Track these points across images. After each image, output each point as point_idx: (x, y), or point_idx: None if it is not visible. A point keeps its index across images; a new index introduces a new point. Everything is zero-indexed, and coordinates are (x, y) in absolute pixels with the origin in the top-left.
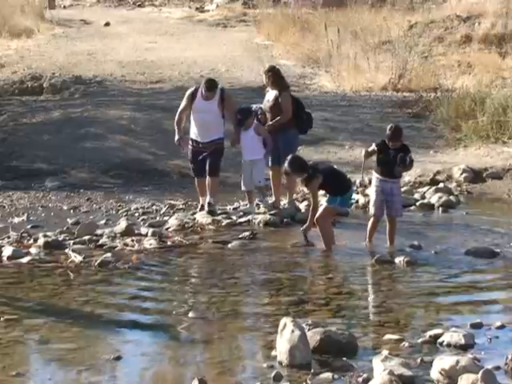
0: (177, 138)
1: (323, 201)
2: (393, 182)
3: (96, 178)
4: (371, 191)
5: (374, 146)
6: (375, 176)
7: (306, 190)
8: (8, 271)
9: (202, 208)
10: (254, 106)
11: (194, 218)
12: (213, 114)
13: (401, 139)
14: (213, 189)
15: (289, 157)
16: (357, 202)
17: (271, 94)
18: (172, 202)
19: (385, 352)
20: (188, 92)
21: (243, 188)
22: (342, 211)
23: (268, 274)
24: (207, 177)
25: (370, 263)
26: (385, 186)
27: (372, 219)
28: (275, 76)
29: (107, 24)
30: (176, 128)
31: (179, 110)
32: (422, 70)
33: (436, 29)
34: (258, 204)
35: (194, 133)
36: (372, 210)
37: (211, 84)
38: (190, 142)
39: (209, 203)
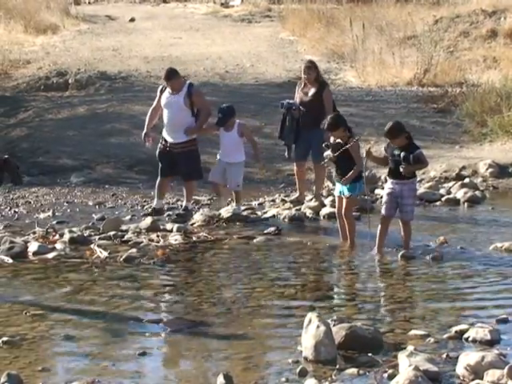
0: (143, 133)
1: (337, 191)
2: (402, 183)
3: (121, 174)
4: (383, 192)
5: (382, 150)
6: (387, 177)
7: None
8: (34, 267)
9: (155, 212)
10: (285, 102)
11: (219, 214)
12: (179, 110)
13: (401, 137)
14: (189, 194)
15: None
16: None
17: (311, 89)
18: (197, 197)
19: (410, 347)
20: (159, 88)
21: (209, 178)
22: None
23: (293, 270)
24: (184, 181)
25: (395, 259)
26: (394, 188)
27: (380, 220)
28: (318, 71)
29: (132, 20)
30: (146, 123)
31: (152, 106)
32: (447, 65)
33: (461, 23)
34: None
35: (164, 130)
36: (382, 210)
37: (168, 73)
38: (160, 140)
39: (185, 208)
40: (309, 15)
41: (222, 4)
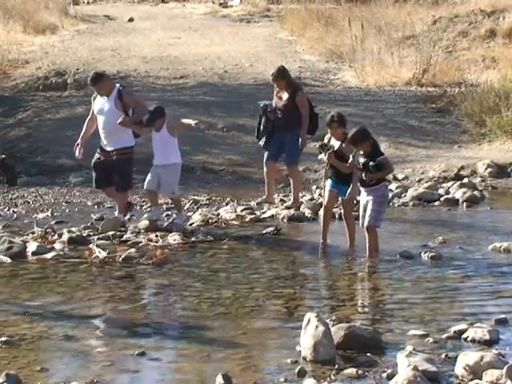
0: (76, 142)
1: (328, 186)
2: (369, 190)
3: None
4: None
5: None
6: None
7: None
8: (32, 267)
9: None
10: (262, 103)
11: (218, 214)
12: (112, 114)
13: (365, 144)
14: (120, 206)
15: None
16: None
17: (284, 94)
18: (196, 197)
19: (409, 347)
20: (93, 95)
21: (144, 187)
22: None
23: (292, 270)
24: (116, 192)
25: (394, 258)
26: (362, 196)
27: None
28: (288, 77)
29: (131, 20)
30: (81, 133)
31: (88, 117)
32: (446, 65)
33: (460, 23)
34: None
35: (101, 140)
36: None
37: (92, 77)
38: (98, 150)
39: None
40: (307, 15)
41: (220, 4)
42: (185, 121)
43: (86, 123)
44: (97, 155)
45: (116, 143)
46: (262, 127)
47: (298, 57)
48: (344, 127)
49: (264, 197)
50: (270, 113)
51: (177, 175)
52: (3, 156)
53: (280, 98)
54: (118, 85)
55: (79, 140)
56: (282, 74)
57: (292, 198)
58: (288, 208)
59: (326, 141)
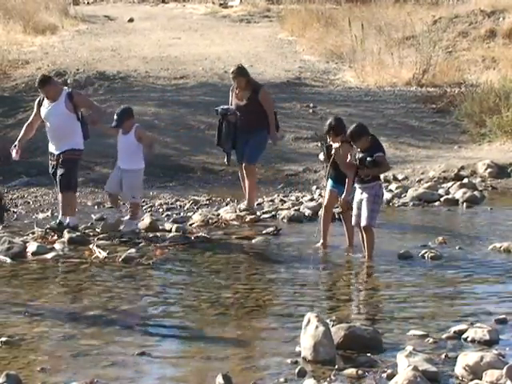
0: (13, 144)
1: (329, 186)
2: (364, 187)
3: None
4: None
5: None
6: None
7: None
8: (33, 267)
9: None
10: (219, 108)
11: (218, 214)
12: (63, 117)
13: (363, 140)
14: (65, 206)
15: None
16: None
17: (245, 94)
18: (196, 197)
19: (409, 348)
20: (37, 100)
21: (105, 188)
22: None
23: (292, 270)
24: (59, 193)
25: (394, 259)
26: (359, 193)
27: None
28: (247, 76)
29: (131, 20)
30: (19, 136)
31: (28, 121)
32: (446, 65)
33: (460, 24)
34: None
35: (50, 145)
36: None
37: (40, 80)
38: (49, 157)
39: (59, 222)
40: (307, 15)
41: (220, 4)
42: (149, 141)
43: (24, 127)
44: (50, 163)
45: (66, 145)
46: (223, 132)
47: (297, 57)
48: (341, 134)
49: (244, 202)
50: (231, 116)
51: (139, 180)
52: None
53: (240, 99)
54: (66, 88)
55: (16, 142)
56: (242, 71)
57: (246, 201)
58: (243, 211)
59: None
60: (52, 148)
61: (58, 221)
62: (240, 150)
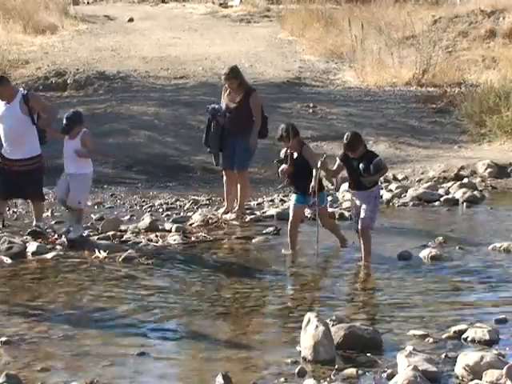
0: None
1: (293, 201)
2: (367, 194)
3: (120, 174)
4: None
5: (338, 161)
6: (348, 190)
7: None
8: (32, 267)
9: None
10: (210, 107)
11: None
12: (17, 120)
13: (361, 147)
14: (38, 214)
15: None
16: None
17: (237, 96)
18: (196, 197)
19: (409, 347)
20: None
21: (54, 194)
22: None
23: (292, 270)
24: (30, 202)
25: (393, 259)
26: (356, 199)
27: (359, 234)
28: (241, 78)
29: (131, 20)
30: None
31: None
32: (446, 65)
33: (460, 23)
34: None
35: (4, 147)
36: (354, 225)
37: None
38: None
39: (36, 226)
40: (307, 15)
41: (220, 4)
42: (92, 147)
43: None
44: (1, 165)
45: (24, 152)
46: (211, 132)
47: (297, 57)
48: (295, 137)
49: (223, 207)
50: (220, 117)
51: (87, 185)
52: None
53: (231, 100)
54: (21, 89)
55: None
56: (235, 73)
57: (237, 205)
58: (233, 220)
59: (282, 155)
60: (5, 150)
61: (34, 225)
62: (228, 154)
